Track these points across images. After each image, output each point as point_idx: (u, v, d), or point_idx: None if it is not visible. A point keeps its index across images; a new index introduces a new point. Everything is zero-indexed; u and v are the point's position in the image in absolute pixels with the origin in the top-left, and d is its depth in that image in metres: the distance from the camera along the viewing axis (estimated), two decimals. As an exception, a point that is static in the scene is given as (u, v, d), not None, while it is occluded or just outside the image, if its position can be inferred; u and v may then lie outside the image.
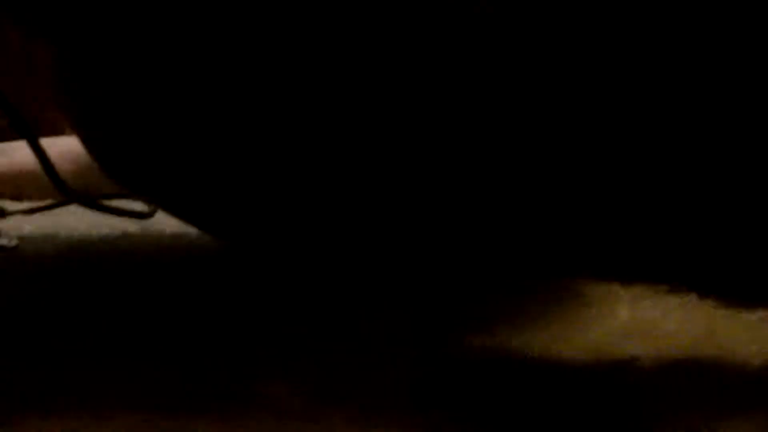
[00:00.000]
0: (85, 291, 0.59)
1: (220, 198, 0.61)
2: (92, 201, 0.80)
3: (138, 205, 0.91)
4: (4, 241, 0.73)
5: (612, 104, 0.55)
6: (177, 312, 0.53)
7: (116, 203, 0.90)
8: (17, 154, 1.01)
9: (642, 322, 0.51)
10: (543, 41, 0.52)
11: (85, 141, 0.66)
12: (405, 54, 0.53)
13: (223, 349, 0.45)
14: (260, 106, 0.55)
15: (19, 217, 0.88)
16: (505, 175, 0.56)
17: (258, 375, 0.41)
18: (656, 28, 0.52)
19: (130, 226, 0.84)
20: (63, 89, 0.63)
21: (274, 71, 0.54)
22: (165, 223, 0.85)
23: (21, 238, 0.76)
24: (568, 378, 0.41)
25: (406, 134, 0.55)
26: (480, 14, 0.52)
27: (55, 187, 0.76)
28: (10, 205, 0.95)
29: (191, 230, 0.81)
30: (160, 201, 0.67)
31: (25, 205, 0.96)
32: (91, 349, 0.45)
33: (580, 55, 0.53)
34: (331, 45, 0.53)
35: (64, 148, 1.00)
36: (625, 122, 0.55)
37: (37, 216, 0.89)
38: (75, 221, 0.86)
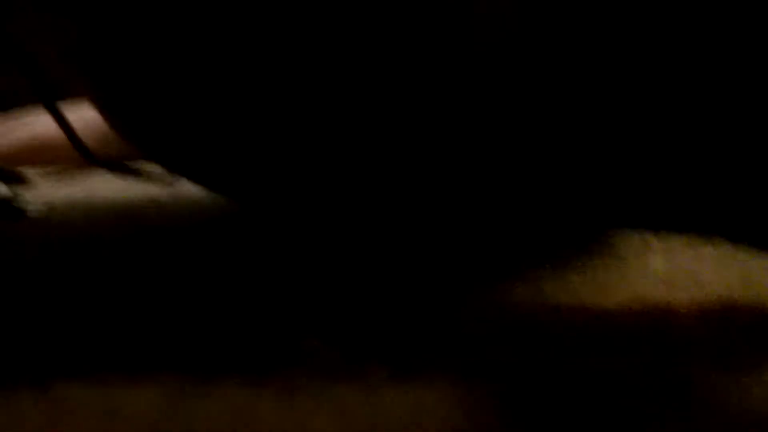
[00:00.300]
0: (115, 256, 0.59)
1: (229, 158, 0.60)
2: (116, 165, 0.80)
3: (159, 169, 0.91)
4: (33, 209, 0.73)
5: (641, 51, 0.54)
6: (207, 273, 0.53)
7: (141, 168, 0.90)
8: (39, 124, 1.01)
9: (678, 272, 0.50)
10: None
11: (99, 106, 0.66)
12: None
13: (256, 307, 0.45)
14: (266, 73, 0.55)
15: (45, 185, 0.88)
16: (538, 122, 0.55)
17: (296, 331, 0.40)
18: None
19: (157, 191, 0.84)
20: (76, 55, 0.63)
21: (282, 38, 0.54)
22: (192, 186, 0.85)
23: (49, 206, 0.76)
24: (612, 329, 0.41)
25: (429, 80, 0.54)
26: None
27: (79, 154, 0.76)
28: (31, 172, 0.95)
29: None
30: (174, 166, 0.66)
31: (44, 171, 0.96)
32: (121, 313, 0.45)
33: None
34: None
35: (88, 114, 1.00)
36: (651, 68, 0.55)
37: (63, 184, 0.89)
38: (102, 188, 0.86)
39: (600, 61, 0.54)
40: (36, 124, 1.02)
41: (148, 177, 0.83)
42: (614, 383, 0.34)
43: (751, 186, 0.57)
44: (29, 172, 0.94)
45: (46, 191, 0.84)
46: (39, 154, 1.00)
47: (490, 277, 0.49)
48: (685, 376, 0.35)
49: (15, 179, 0.89)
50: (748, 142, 0.56)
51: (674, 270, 0.50)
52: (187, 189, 0.83)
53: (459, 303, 0.45)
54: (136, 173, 0.83)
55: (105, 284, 0.51)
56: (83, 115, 0.97)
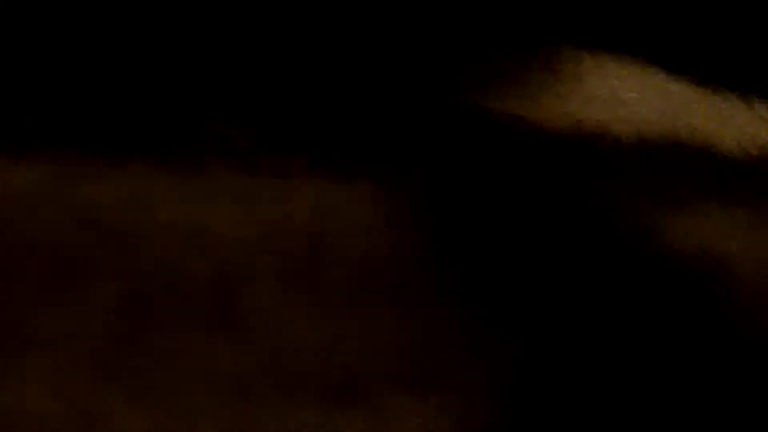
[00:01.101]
0: None
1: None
2: None
3: None
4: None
5: None
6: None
7: None
8: None
9: (612, 93, 0.49)
10: None
11: None
12: None
13: (165, 78, 0.42)
14: None
15: None
16: None
17: (209, 114, 0.38)
18: None
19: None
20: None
21: None
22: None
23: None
24: (541, 142, 0.40)
25: None
26: None
27: None
28: None
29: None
30: None
31: None
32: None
33: None
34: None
35: None
36: None
37: None
38: None
39: None
40: None
41: None
42: (535, 192, 0.34)
43: (696, 10, 0.56)
44: None
45: None
46: None
47: (431, 83, 0.48)
48: (607, 191, 0.35)
49: None
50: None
51: (609, 90, 0.49)
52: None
53: (391, 103, 0.43)
54: None
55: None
56: None
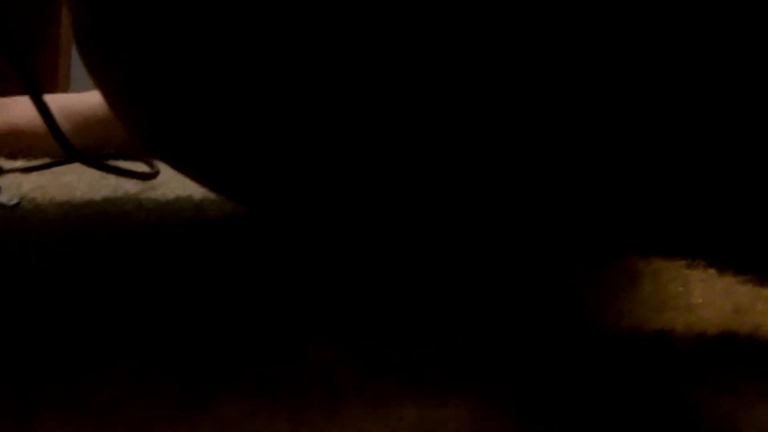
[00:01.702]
0: (91, 253, 0.58)
1: (241, 158, 0.60)
2: (96, 160, 0.79)
3: (140, 166, 0.90)
4: (3, 199, 0.72)
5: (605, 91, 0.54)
6: (202, 277, 0.52)
7: (118, 163, 0.89)
8: (13, 110, 1.00)
9: (667, 296, 0.50)
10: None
11: (108, 95, 0.65)
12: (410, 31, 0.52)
13: (255, 314, 0.44)
14: (276, 70, 0.54)
15: (17, 175, 0.87)
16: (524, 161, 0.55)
17: (303, 341, 0.39)
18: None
19: (132, 186, 0.83)
20: (87, 42, 0.62)
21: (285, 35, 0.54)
22: (167, 184, 0.84)
23: (24, 198, 0.74)
24: (605, 350, 0.41)
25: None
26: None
27: (59, 145, 0.75)
28: (5, 162, 0.93)
29: (193, 192, 0.80)
30: (182, 161, 0.65)
31: (20, 162, 0.95)
32: (112, 322, 0.43)
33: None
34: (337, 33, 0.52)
35: (62, 104, 0.99)
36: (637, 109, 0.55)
37: (35, 174, 0.88)
38: (74, 180, 0.85)
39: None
40: (12, 113, 1.00)
41: (125, 173, 0.82)
42: (616, 394, 0.35)
43: (736, 212, 0.58)
44: (3, 161, 0.93)
45: (17, 181, 0.83)
46: (15, 144, 0.99)
47: (490, 295, 0.49)
48: (682, 393, 0.35)
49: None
50: (733, 172, 0.57)
51: (664, 293, 0.50)
52: (166, 188, 0.82)
53: (468, 314, 0.45)
54: (115, 169, 0.82)
55: (86, 287, 0.49)
56: (59, 106, 0.96)
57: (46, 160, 0.92)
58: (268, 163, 0.58)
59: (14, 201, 0.72)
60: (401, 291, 0.49)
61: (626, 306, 0.48)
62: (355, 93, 0.54)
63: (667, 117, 0.55)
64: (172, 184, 0.84)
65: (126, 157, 0.93)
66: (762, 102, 0.54)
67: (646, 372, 0.39)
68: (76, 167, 0.88)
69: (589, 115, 0.54)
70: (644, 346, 0.43)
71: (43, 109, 0.71)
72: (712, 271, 0.56)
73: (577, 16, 0.52)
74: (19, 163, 0.93)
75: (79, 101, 1.02)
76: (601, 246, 0.59)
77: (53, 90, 1.28)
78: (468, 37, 0.52)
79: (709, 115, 0.55)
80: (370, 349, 0.38)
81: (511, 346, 0.41)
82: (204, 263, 0.55)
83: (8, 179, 0.84)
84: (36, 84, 0.69)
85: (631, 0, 0.52)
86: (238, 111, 0.57)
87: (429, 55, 0.53)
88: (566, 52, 0.53)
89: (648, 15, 0.52)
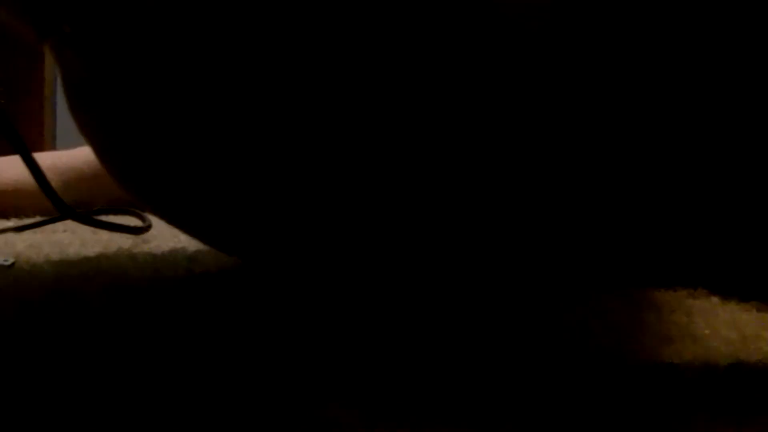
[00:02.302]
0: (90, 310, 0.57)
1: (236, 212, 0.59)
2: (88, 216, 0.79)
3: (131, 220, 0.89)
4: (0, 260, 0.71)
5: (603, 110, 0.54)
6: (190, 332, 0.51)
7: (109, 218, 0.88)
8: (2, 171, 0.99)
9: (672, 327, 0.50)
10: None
11: (101, 153, 0.65)
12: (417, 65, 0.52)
13: (265, 372, 0.43)
14: (273, 125, 0.54)
15: (10, 235, 0.87)
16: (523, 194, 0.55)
17: (317, 398, 0.39)
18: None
19: (124, 241, 0.82)
20: (79, 99, 0.61)
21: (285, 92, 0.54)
22: (159, 237, 0.84)
23: (17, 257, 0.74)
24: (615, 383, 0.41)
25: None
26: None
27: (51, 202, 0.75)
28: None
29: (186, 243, 0.79)
30: (175, 216, 0.65)
31: (12, 222, 0.94)
32: (116, 385, 0.43)
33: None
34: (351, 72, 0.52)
35: (50, 162, 0.99)
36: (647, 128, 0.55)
37: (28, 233, 0.88)
38: (67, 237, 0.85)
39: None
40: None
41: (118, 228, 0.82)
42: (628, 426, 0.35)
43: (740, 241, 0.57)
44: None
45: (10, 240, 0.82)
46: (4, 204, 0.98)
47: (504, 332, 0.49)
48: (694, 426, 0.35)
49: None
50: (737, 201, 0.57)
51: (669, 325, 0.50)
52: (159, 240, 0.82)
53: (481, 354, 0.44)
54: (108, 225, 0.81)
55: (87, 349, 0.49)
56: (47, 163, 0.96)
57: (37, 219, 0.91)
58: (259, 218, 0.58)
59: (9, 261, 0.72)
60: (404, 335, 0.49)
61: (632, 338, 0.48)
62: (340, 151, 0.54)
63: (667, 145, 0.55)
64: (165, 237, 0.83)
65: (117, 211, 0.93)
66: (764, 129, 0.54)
67: (655, 404, 0.39)
68: (68, 224, 0.87)
69: (591, 146, 0.54)
70: (653, 377, 0.42)
71: (33, 168, 0.71)
72: (715, 300, 0.56)
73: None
74: (11, 223, 0.93)
75: (68, 157, 1.02)
76: (604, 278, 0.59)
77: (40, 147, 1.28)
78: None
79: (711, 144, 0.55)
80: (380, 402, 0.37)
81: (520, 383, 0.40)
82: (202, 318, 0.55)
83: (1, 239, 0.83)
84: (23, 143, 0.69)
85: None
86: (231, 170, 0.56)
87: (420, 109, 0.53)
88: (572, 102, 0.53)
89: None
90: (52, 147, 1.41)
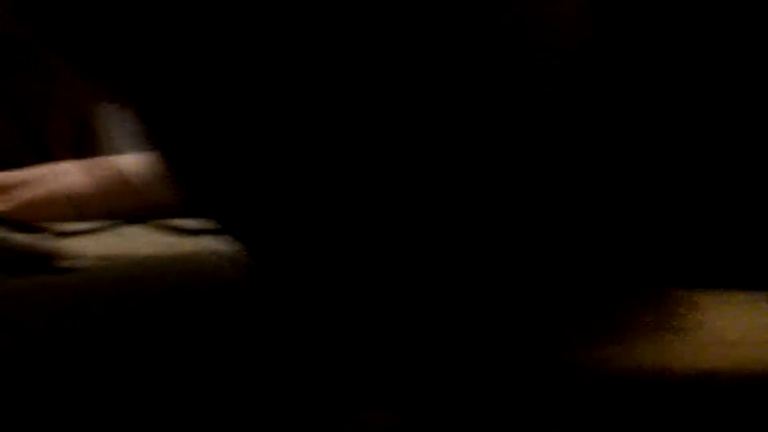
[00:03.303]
0: (169, 316, 0.59)
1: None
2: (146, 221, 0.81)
3: (191, 223, 0.92)
4: (73, 264, 0.75)
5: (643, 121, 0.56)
6: (251, 335, 0.52)
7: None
8: (66, 177, 1.02)
9: (710, 331, 0.51)
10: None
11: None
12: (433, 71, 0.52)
13: (317, 378, 0.44)
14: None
15: (75, 240, 0.88)
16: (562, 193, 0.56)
17: (362, 404, 0.40)
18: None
19: (186, 243, 0.84)
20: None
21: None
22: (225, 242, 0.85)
23: (88, 261, 0.76)
24: (652, 389, 0.42)
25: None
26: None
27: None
28: (63, 227, 0.94)
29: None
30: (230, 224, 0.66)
31: (83, 225, 0.96)
32: (177, 374, 0.44)
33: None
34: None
35: (109, 167, 1.01)
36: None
37: (96, 239, 0.90)
38: (137, 243, 0.87)
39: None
40: (53, 180, 1.02)
41: (179, 233, 0.84)
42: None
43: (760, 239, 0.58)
44: (60, 226, 0.94)
45: (81, 246, 0.84)
46: (64, 209, 1.01)
47: (536, 340, 0.50)
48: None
49: (43, 234, 0.90)
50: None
51: (710, 337, 0.50)
52: (220, 245, 0.83)
53: (511, 359, 0.45)
54: (168, 229, 0.84)
55: (152, 341, 0.50)
56: (105, 170, 0.99)
57: (100, 224, 0.94)
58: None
59: (84, 263, 0.75)
60: (414, 338, 0.50)
61: (662, 344, 0.48)
62: (340, 151, 0.55)
63: (677, 152, 0.56)
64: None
65: (179, 215, 0.95)
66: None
67: (693, 414, 0.39)
68: (133, 229, 0.89)
69: (600, 157, 0.56)
70: (687, 386, 0.43)
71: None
72: (751, 302, 0.56)
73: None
74: (82, 226, 0.95)
75: (124, 163, 1.04)
76: (627, 279, 0.59)
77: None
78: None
79: (721, 147, 0.56)
80: (419, 411, 0.38)
81: (538, 392, 0.41)
82: (225, 321, 0.56)
83: (69, 243, 0.86)
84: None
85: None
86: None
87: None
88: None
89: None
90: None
